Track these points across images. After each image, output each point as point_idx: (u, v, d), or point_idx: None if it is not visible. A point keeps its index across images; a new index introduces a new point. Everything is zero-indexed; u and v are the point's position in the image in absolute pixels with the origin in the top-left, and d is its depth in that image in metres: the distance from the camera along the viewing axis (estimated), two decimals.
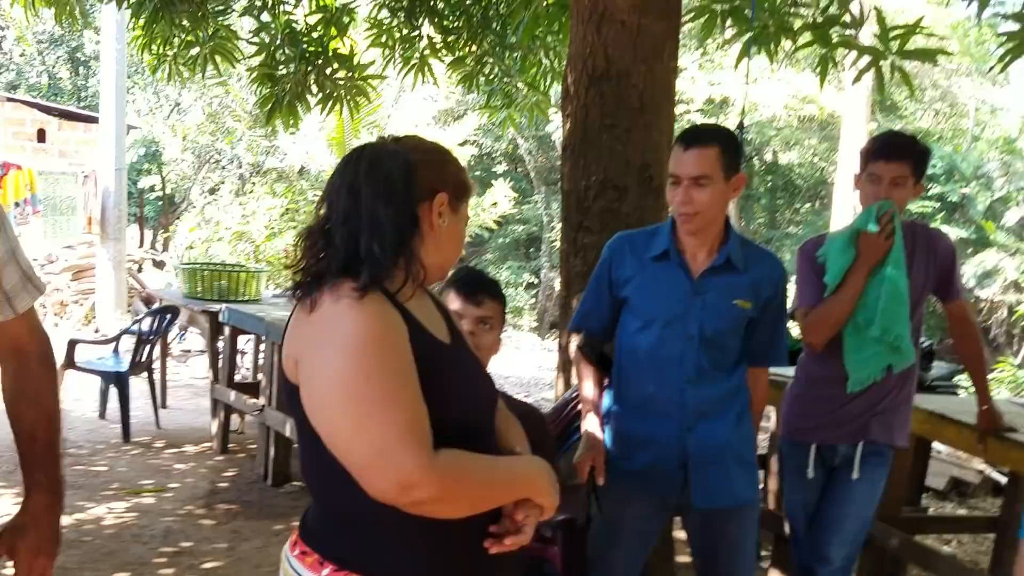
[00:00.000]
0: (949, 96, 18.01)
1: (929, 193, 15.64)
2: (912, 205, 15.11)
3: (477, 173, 16.92)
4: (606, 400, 2.30)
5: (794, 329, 2.79)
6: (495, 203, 11.46)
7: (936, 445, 5.08)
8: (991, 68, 3.94)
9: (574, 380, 2.52)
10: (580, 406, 2.36)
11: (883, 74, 3.92)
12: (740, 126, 3.37)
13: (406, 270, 1.35)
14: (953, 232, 14.33)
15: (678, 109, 12.36)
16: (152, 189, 15.13)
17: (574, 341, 2.47)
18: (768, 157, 17.15)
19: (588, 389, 2.29)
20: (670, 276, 2.16)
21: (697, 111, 14.81)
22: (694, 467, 2.14)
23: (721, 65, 14.50)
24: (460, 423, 1.35)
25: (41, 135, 11.06)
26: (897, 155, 2.44)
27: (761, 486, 3.35)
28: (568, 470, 2.65)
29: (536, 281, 15.46)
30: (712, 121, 15.01)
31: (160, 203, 15.22)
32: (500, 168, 16.69)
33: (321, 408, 1.28)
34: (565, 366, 3.13)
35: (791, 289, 2.48)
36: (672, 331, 2.14)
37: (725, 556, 2.21)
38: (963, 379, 4.29)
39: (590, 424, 2.23)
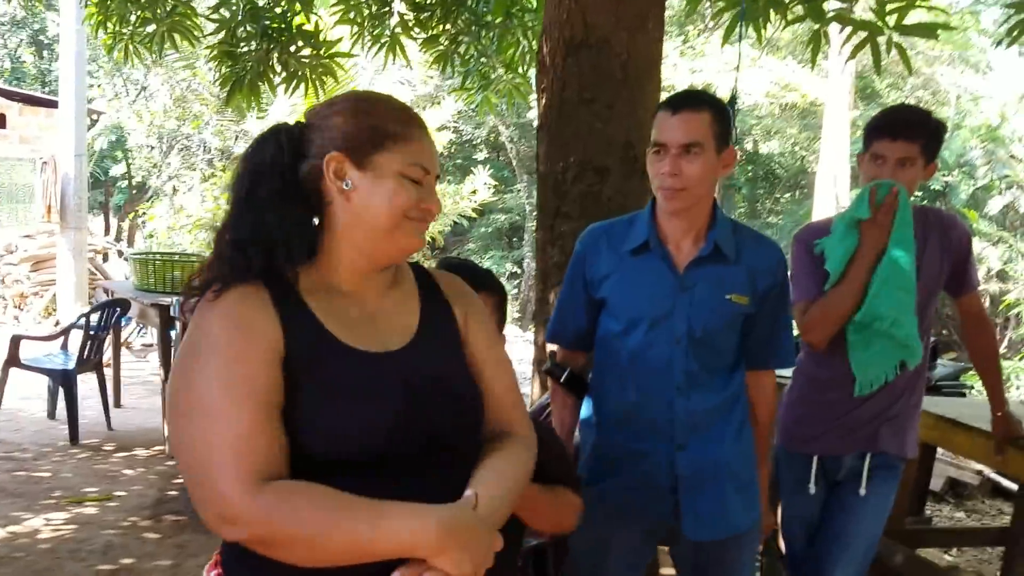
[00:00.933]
0: (931, 84, 17.93)
1: None
2: None
3: (458, 160, 16.60)
4: (584, 410, 2.00)
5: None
6: (475, 191, 11.15)
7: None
8: (999, 43, 3.68)
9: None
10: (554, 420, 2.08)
11: (879, 51, 3.70)
12: (732, 101, 3.09)
13: (288, 258, 1.15)
14: None
15: (663, 96, 12.21)
16: (124, 177, 14.71)
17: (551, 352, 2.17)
18: (749, 146, 16.99)
19: (561, 428, 1.99)
20: (652, 270, 1.85)
21: None
22: (685, 491, 1.83)
23: (703, 52, 14.29)
24: (349, 448, 1.10)
25: (1, 120, 10.64)
26: (905, 133, 2.14)
27: None
28: None
29: (519, 271, 15.19)
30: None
31: (125, 193, 14.79)
32: (481, 155, 16.38)
33: (169, 423, 1.13)
34: (540, 363, 2.86)
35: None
36: (657, 333, 1.82)
37: None
38: (967, 377, 4.06)
39: None
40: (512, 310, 13.87)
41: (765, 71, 13.82)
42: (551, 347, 2.14)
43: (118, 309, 5.12)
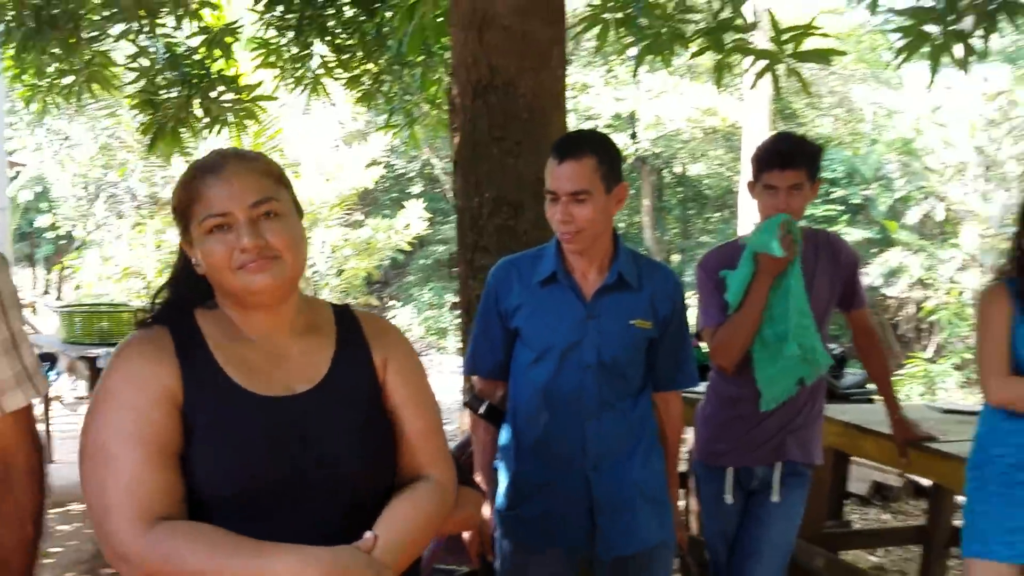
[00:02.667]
0: (846, 102, 18.58)
1: (832, 197, 16.05)
2: (816, 209, 15.52)
3: (393, 194, 16.64)
4: (502, 437, 2.07)
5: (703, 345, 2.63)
6: (408, 224, 11.20)
7: None
8: (888, 65, 3.93)
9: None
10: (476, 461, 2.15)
11: (778, 77, 3.90)
12: (633, 135, 3.22)
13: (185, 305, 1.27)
14: (858, 233, 14.69)
15: (585, 125, 12.38)
16: (52, 228, 14.41)
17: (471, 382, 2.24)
18: (678, 169, 17.38)
19: (482, 458, 2.08)
20: (561, 300, 1.95)
21: (606, 126, 14.88)
22: (601, 513, 1.92)
23: (626, 81, 14.63)
24: (241, 489, 1.16)
25: None
26: (792, 162, 2.29)
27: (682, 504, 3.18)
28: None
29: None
30: (619, 135, 15.17)
31: (52, 245, 14.48)
32: (416, 188, 16.47)
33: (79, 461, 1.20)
34: (466, 406, 2.94)
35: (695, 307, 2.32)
36: (567, 362, 1.92)
37: None
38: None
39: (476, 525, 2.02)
40: (455, 341, 13.89)
41: (686, 97, 14.21)
42: (473, 379, 2.21)
43: (47, 364, 5.04)
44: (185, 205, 1.23)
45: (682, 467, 2.57)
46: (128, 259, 9.35)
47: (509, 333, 2.01)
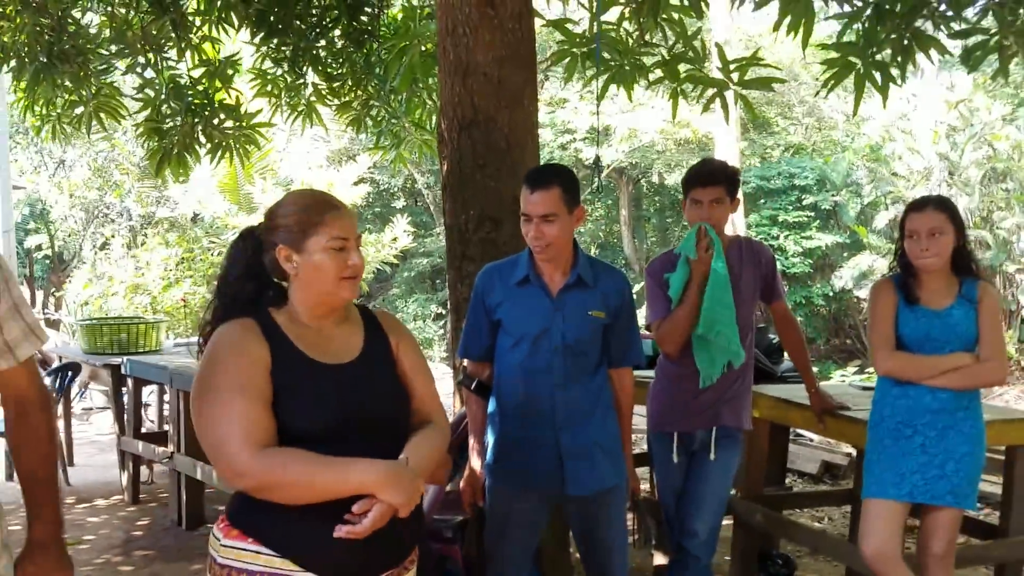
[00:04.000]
0: (816, 111, 19.14)
1: (803, 203, 16.61)
2: (788, 215, 16.05)
3: (377, 209, 17.10)
4: (489, 407, 2.59)
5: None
6: (395, 238, 11.67)
7: (807, 433, 5.59)
8: (817, 93, 4.44)
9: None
10: (470, 429, 2.66)
11: (726, 102, 4.42)
12: (596, 161, 3.73)
13: (261, 305, 1.76)
14: (828, 238, 15.15)
15: (566, 137, 12.76)
16: (39, 248, 14.76)
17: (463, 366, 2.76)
18: (655, 179, 17.90)
19: (474, 425, 2.60)
20: (533, 297, 2.48)
21: (583, 139, 15.45)
22: (567, 461, 2.45)
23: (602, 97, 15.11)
24: (316, 426, 1.65)
25: None
26: (712, 180, 2.85)
27: (645, 480, 3.70)
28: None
29: (444, 312, 15.68)
30: (595, 148, 15.75)
31: (49, 262, 14.84)
32: (399, 203, 16.93)
33: (193, 413, 1.66)
34: (460, 385, 3.43)
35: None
36: (539, 345, 2.46)
37: (602, 532, 2.55)
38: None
39: (474, 460, 2.56)
40: (440, 350, 14.35)
41: (657, 111, 14.77)
42: (464, 362, 2.73)
43: (70, 372, 5.49)
44: (307, 226, 1.72)
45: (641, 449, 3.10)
46: (130, 276, 9.77)
47: (493, 324, 2.54)
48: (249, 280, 1.79)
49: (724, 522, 3.01)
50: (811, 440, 5.87)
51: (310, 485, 1.59)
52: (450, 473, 2.73)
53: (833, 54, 4.09)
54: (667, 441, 2.96)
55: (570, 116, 15.18)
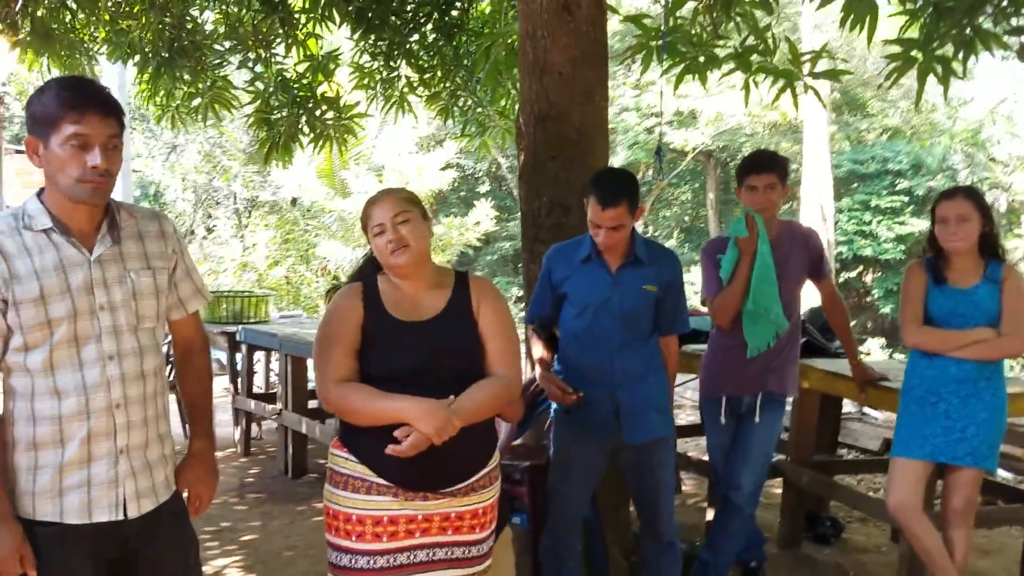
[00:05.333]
0: (912, 94, 18.59)
1: (897, 188, 16.33)
2: (881, 200, 15.79)
3: (462, 193, 17.62)
4: (556, 366, 2.98)
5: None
6: (478, 222, 12.12)
7: (872, 411, 5.79)
8: (879, 86, 4.62)
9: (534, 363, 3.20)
10: (539, 383, 3.04)
11: (797, 93, 4.63)
12: (658, 150, 4.04)
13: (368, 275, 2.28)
14: (922, 224, 14.88)
15: (650, 122, 12.80)
16: None
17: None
18: None
19: (538, 351, 3.00)
20: (595, 273, 2.86)
21: (668, 123, 15.59)
22: (623, 415, 2.83)
23: (687, 80, 15.18)
24: (393, 369, 2.12)
25: None
26: (766, 168, 3.16)
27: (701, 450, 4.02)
28: (535, 434, 3.36)
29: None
30: (681, 131, 15.84)
31: None
32: (484, 188, 17.38)
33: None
34: (530, 352, 3.82)
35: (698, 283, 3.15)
36: (600, 314, 2.83)
37: (652, 477, 2.91)
38: (866, 347, 4.95)
39: (543, 371, 2.93)
40: (519, 332, 14.71)
41: (741, 93, 14.73)
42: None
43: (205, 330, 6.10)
44: (364, 222, 2.25)
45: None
46: (238, 255, 10.52)
47: (557, 297, 2.93)
48: (368, 259, 2.35)
49: (776, 489, 3.31)
50: (876, 419, 6.05)
51: (365, 411, 2.10)
52: (515, 430, 3.13)
53: (896, 49, 4.25)
54: (716, 405, 3.30)
55: (656, 100, 15.32)
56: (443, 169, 12.14)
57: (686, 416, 7.15)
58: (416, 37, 6.03)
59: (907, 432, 2.99)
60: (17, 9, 5.32)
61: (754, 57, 4.61)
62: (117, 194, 7.90)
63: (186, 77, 5.86)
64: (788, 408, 3.60)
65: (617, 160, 15.68)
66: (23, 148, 2.02)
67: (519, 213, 3.91)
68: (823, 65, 4.80)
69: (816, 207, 14.79)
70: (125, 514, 1.87)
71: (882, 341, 14.30)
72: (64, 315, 1.80)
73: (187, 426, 2.22)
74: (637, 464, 2.93)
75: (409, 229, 2.18)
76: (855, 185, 16.94)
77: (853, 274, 17.18)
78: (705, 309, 3.41)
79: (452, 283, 2.29)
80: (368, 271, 2.31)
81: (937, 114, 18.50)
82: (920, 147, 17.24)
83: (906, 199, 16.22)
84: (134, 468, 1.89)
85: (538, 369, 2.98)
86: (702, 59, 4.69)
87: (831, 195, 15.06)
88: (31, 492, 1.82)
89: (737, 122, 15.75)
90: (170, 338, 2.16)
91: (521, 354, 2.41)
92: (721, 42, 4.78)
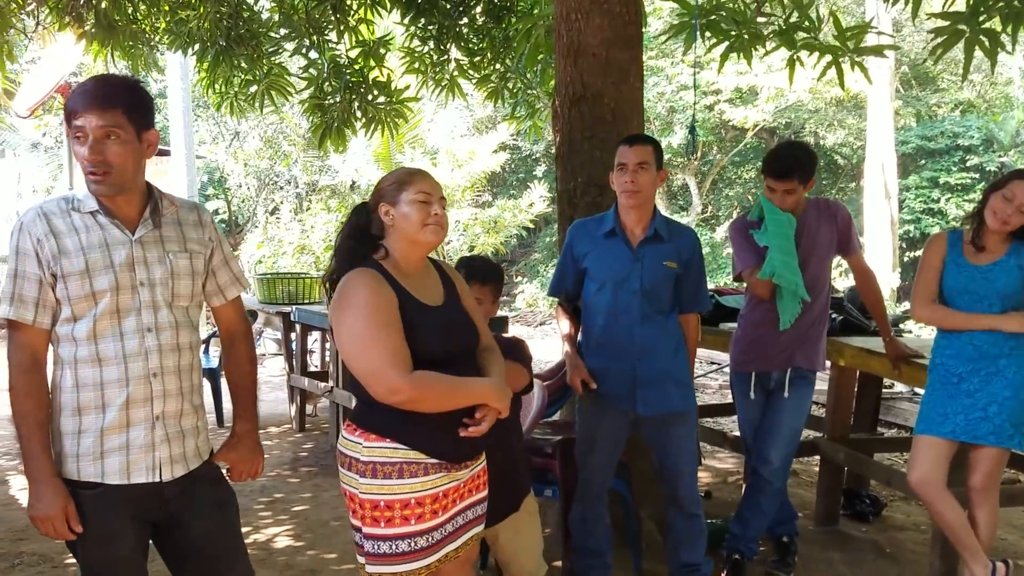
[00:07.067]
0: (986, 66, 17.98)
1: (968, 164, 15.81)
2: (950, 177, 15.31)
3: (520, 175, 17.66)
4: (579, 340, 3.06)
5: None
6: (531, 203, 12.18)
7: (920, 390, 5.71)
8: (924, 60, 4.54)
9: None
10: (565, 361, 3.13)
11: (842, 70, 4.58)
12: (692, 128, 4.05)
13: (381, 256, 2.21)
14: None
15: (708, 100, 12.61)
16: (217, 212, 16.28)
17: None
18: (810, 140, 17.38)
19: (565, 327, 3.09)
20: (616, 248, 2.92)
21: (727, 100, 15.37)
22: (642, 387, 2.90)
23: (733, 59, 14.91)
24: (435, 354, 2.13)
25: None
26: (784, 176, 3.14)
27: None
28: (569, 410, 3.46)
29: None
30: (740, 108, 15.61)
31: (225, 225, 16.38)
32: (540, 169, 17.39)
33: (341, 343, 2.12)
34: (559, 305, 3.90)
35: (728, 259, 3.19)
36: (621, 288, 2.90)
37: (672, 449, 2.98)
38: (906, 326, 4.88)
39: (569, 352, 3.00)
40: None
41: (806, 69, 14.46)
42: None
43: (248, 318, 6.35)
44: (397, 186, 2.19)
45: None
46: (297, 238, 10.81)
47: (579, 272, 3.01)
48: (357, 240, 2.23)
49: (815, 466, 3.31)
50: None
51: (450, 398, 2.10)
52: (542, 411, 3.23)
53: (942, 23, 4.18)
54: (746, 380, 3.34)
55: (712, 76, 15.10)
56: (496, 151, 12.21)
57: (723, 395, 7.14)
58: (465, 20, 6.08)
59: (930, 410, 2.99)
60: (82, 2, 5.58)
61: (799, 34, 4.59)
62: (181, 180, 8.25)
63: (243, 65, 6.01)
64: (821, 384, 3.61)
65: (675, 139, 15.53)
66: None
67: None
68: (871, 40, 4.74)
69: (879, 185, 14.44)
70: (160, 477, 2.01)
71: None
72: (107, 288, 1.94)
73: (233, 408, 2.31)
74: (656, 436, 3.00)
75: (445, 214, 2.26)
76: (923, 161, 16.45)
77: (919, 253, 16.69)
78: (738, 286, 3.44)
79: (433, 268, 2.32)
80: (360, 254, 2.20)
81: (1013, 87, 17.83)
82: (993, 121, 16.65)
83: (976, 176, 15.66)
84: (169, 435, 2.02)
85: (565, 346, 3.07)
86: (746, 36, 4.70)
87: (895, 172, 14.67)
88: (75, 455, 1.97)
89: (798, 98, 15.41)
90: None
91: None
92: (764, 19, 4.77)
